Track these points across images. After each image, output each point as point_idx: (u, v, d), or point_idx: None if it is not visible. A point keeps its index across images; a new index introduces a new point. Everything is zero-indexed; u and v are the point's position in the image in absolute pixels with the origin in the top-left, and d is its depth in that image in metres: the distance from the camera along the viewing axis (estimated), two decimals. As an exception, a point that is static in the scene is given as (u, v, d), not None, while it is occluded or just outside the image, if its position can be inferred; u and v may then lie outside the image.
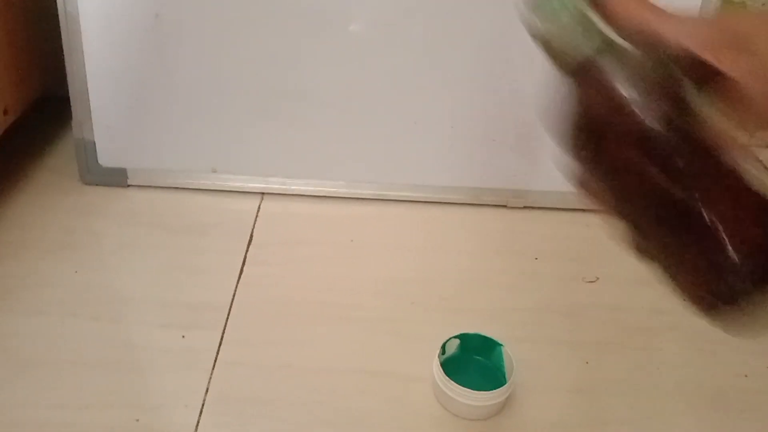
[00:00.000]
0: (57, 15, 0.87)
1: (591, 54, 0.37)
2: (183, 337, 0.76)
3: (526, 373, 0.72)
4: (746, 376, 0.76)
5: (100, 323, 0.77)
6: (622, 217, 0.39)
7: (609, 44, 0.37)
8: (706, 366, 0.77)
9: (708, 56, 0.35)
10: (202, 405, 0.69)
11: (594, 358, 0.77)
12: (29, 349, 0.73)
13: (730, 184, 0.35)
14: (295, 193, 0.98)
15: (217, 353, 0.74)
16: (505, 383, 0.68)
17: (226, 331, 0.77)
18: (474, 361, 0.74)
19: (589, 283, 0.87)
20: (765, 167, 0.36)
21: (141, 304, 0.80)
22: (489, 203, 0.99)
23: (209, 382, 0.71)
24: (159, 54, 0.90)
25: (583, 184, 0.39)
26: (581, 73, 0.37)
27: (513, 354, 0.70)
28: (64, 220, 0.91)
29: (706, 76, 0.35)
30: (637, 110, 0.35)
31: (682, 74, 0.36)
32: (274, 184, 0.98)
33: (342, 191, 0.98)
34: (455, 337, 0.72)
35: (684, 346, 0.79)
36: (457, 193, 0.98)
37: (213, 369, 0.72)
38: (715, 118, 0.35)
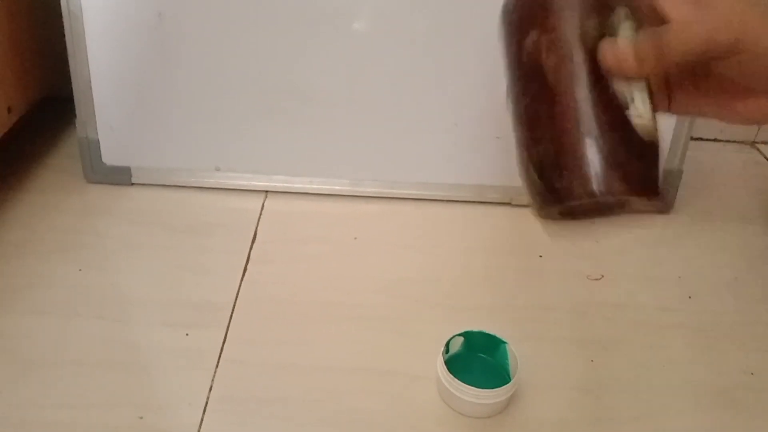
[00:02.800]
0: (61, 14, 0.87)
1: None
2: (187, 335, 0.76)
3: (530, 371, 0.72)
4: (752, 373, 0.76)
5: (104, 322, 0.77)
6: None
7: None
8: (712, 364, 0.77)
9: None
10: (206, 404, 0.69)
11: (599, 356, 0.77)
12: (33, 348, 0.73)
13: (616, 114, 0.38)
14: (298, 191, 0.98)
15: (221, 352, 0.74)
16: (509, 381, 0.68)
17: (229, 329, 0.77)
18: (478, 359, 0.73)
19: (594, 281, 0.87)
20: (651, 104, 0.39)
21: (145, 303, 0.80)
22: (493, 201, 0.99)
23: (213, 381, 0.71)
24: (162, 53, 0.90)
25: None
26: None
27: (517, 352, 0.70)
28: (68, 219, 0.92)
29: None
30: (563, 23, 0.39)
31: None
32: (278, 183, 0.98)
33: (346, 189, 0.98)
34: (459, 334, 0.72)
35: (689, 344, 0.79)
36: (461, 191, 0.98)
37: (216, 368, 0.72)
38: (631, 44, 0.38)
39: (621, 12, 0.39)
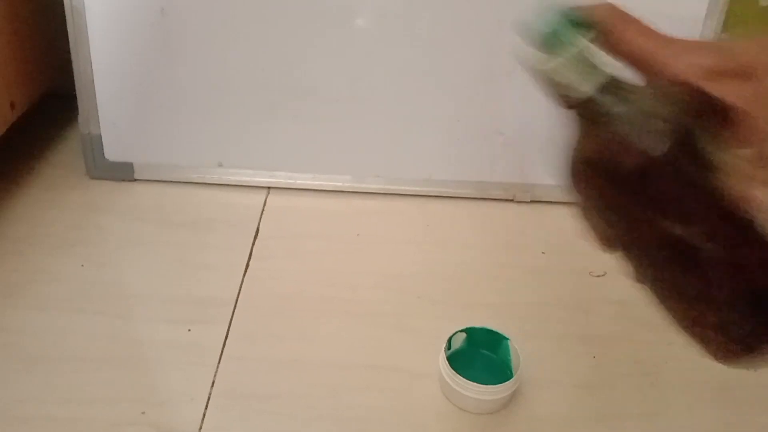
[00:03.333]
0: (63, 10, 0.87)
1: (593, 92, 0.36)
2: (189, 331, 0.76)
3: (532, 368, 0.72)
4: (755, 370, 0.76)
5: (106, 318, 0.77)
6: (619, 250, 0.39)
7: (612, 81, 0.36)
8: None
9: (710, 87, 0.34)
10: (208, 399, 0.69)
11: (601, 353, 0.77)
12: (35, 344, 0.73)
13: (742, 233, 0.35)
14: (301, 187, 0.98)
15: (223, 348, 0.74)
16: (511, 377, 0.68)
17: (232, 325, 0.77)
18: (480, 355, 0.73)
19: (597, 278, 0.87)
20: None
21: (147, 298, 0.80)
22: (496, 197, 0.98)
23: (215, 377, 0.71)
24: (165, 49, 0.90)
25: (583, 217, 0.39)
26: (582, 111, 0.37)
27: (520, 348, 0.70)
28: (70, 215, 0.92)
29: (710, 108, 0.34)
30: (635, 148, 0.34)
31: (687, 111, 0.34)
32: (281, 179, 0.98)
33: (348, 185, 0.98)
34: (461, 331, 0.72)
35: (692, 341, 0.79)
36: (464, 188, 0.98)
37: (219, 363, 0.72)
38: (723, 164, 0.34)
39: (704, 135, 0.34)
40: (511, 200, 0.99)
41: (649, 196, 0.35)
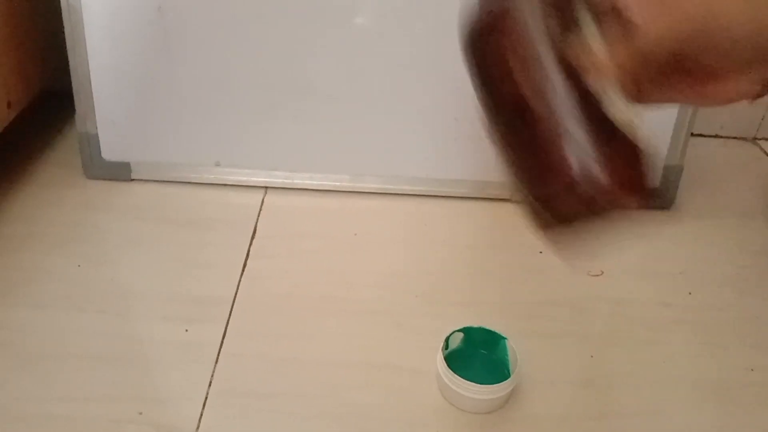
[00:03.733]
0: (60, 8, 0.86)
1: None
2: (186, 330, 0.76)
3: (530, 367, 0.72)
4: (752, 369, 0.76)
5: (103, 317, 0.77)
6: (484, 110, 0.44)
7: None
8: (712, 359, 0.77)
9: None
10: (206, 398, 0.69)
11: (599, 352, 0.77)
12: (33, 342, 0.73)
13: (593, 112, 0.38)
14: (298, 186, 0.98)
15: (221, 346, 0.74)
16: (509, 377, 0.68)
17: (229, 324, 0.77)
18: (478, 354, 0.73)
19: (594, 277, 0.87)
20: (626, 104, 0.38)
21: (144, 297, 0.80)
22: (493, 197, 0.98)
23: (212, 376, 0.71)
24: (162, 47, 0.90)
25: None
26: None
27: (517, 347, 0.70)
28: (67, 214, 0.92)
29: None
30: (525, 25, 0.39)
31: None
32: (278, 178, 0.98)
33: (346, 185, 0.98)
34: (459, 330, 0.72)
35: (690, 340, 0.79)
36: (462, 187, 0.98)
37: (216, 362, 0.72)
38: (599, 43, 0.37)
39: (582, 10, 0.38)
40: (509, 200, 0.99)
41: (523, 67, 0.40)
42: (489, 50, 0.42)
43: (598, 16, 0.38)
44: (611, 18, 0.38)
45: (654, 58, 0.36)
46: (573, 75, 0.38)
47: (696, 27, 0.35)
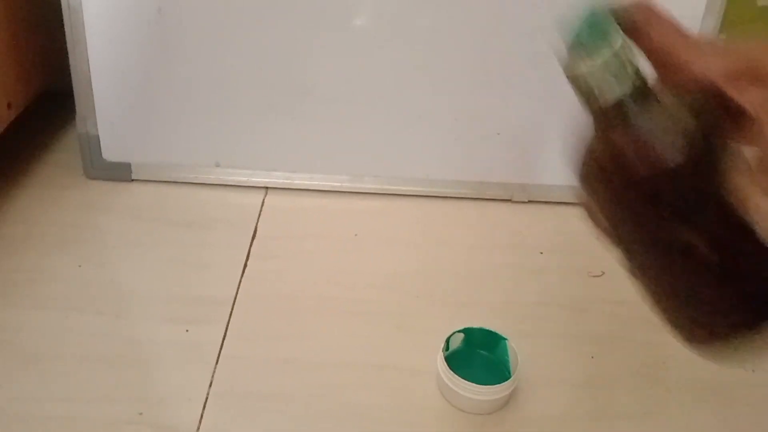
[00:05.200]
0: (60, 9, 0.86)
1: (621, 97, 0.36)
2: (187, 331, 0.76)
3: (530, 368, 0.72)
4: (753, 371, 0.76)
5: (103, 317, 0.77)
6: (621, 245, 0.40)
7: (641, 88, 0.36)
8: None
9: (728, 89, 0.34)
10: (206, 399, 0.69)
11: (599, 353, 0.77)
12: (33, 343, 0.73)
13: (742, 238, 0.35)
14: (299, 187, 0.98)
15: (221, 347, 0.74)
16: (509, 377, 0.68)
17: (229, 325, 0.77)
18: (478, 355, 0.73)
19: (595, 278, 0.87)
20: None
21: (145, 298, 0.80)
22: (493, 197, 0.98)
23: (213, 376, 0.71)
24: (162, 48, 0.90)
25: (588, 210, 0.40)
26: (607, 114, 0.36)
27: (518, 348, 0.70)
28: (67, 214, 0.91)
29: (726, 112, 0.34)
30: (656, 155, 0.34)
31: (707, 120, 0.35)
32: (278, 179, 0.98)
33: (346, 185, 0.98)
34: (459, 331, 0.72)
35: (690, 341, 0.79)
36: (462, 187, 0.98)
37: (217, 363, 0.72)
38: (737, 172, 0.34)
39: (724, 140, 0.34)
40: (509, 200, 0.99)
41: (658, 201, 0.35)
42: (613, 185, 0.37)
43: (731, 147, 0.35)
44: (738, 125, 0.34)
45: None
46: (732, 217, 0.34)
47: None
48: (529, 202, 0.98)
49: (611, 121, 0.36)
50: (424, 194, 0.98)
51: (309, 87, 0.92)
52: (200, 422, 0.66)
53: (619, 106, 0.36)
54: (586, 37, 0.36)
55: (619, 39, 0.36)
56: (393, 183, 0.98)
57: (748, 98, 0.34)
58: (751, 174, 0.34)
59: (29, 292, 0.80)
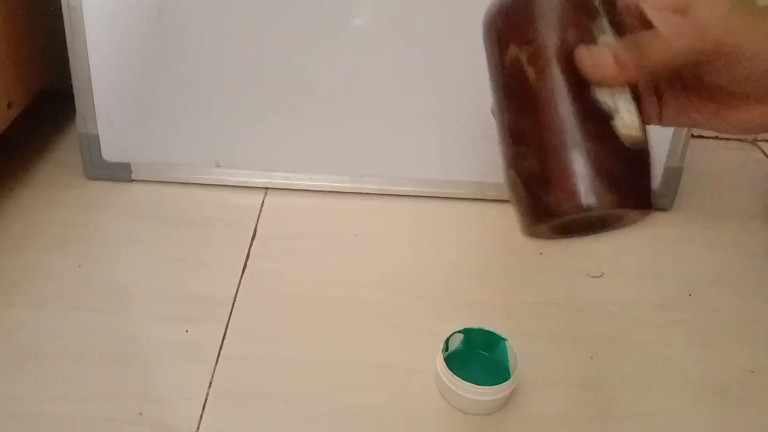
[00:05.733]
0: (60, 8, 0.86)
1: None
2: (186, 330, 0.76)
3: (530, 368, 0.72)
4: (752, 371, 0.76)
5: (103, 316, 0.77)
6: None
7: None
8: (712, 361, 0.77)
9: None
10: (206, 398, 0.69)
11: (599, 353, 0.77)
12: (32, 341, 0.73)
13: (596, 120, 0.37)
14: (298, 187, 0.98)
15: (221, 347, 0.74)
16: (509, 378, 0.68)
17: (229, 324, 0.77)
18: (478, 355, 0.73)
19: (594, 278, 0.87)
20: (639, 115, 0.38)
21: (144, 297, 0.80)
22: (493, 198, 0.98)
23: (212, 376, 0.71)
24: (162, 48, 0.90)
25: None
26: None
27: (517, 348, 0.70)
28: (67, 214, 0.92)
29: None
30: (546, 30, 0.38)
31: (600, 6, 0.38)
32: (278, 179, 0.98)
33: (346, 186, 0.98)
34: (459, 331, 0.72)
35: (689, 341, 0.79)
36: (462, 188, 0.98)
37: (216, 362, 0.72)
38: (612, 50, 0.37)
39: (602, 21, 0.38)
40: (509, 201, 0.98)
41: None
42: (508, 54, 0.41)
43: (618, 27, 0.38)
44: (631, 28, 0.38)
45: (667, 69, 0.37)
46: (583, 86, 0.38)
47: (716, 49, 0.35)
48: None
49: None
50: (424, 195, 0.98)
51: (309, 87, 0.92)
52: (200, 421, 0.66)
53: None
54: None
55: None
56: (393, 183, 0.98)
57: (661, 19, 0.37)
58: None
59: (29, 290, 0.80)
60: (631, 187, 0.38)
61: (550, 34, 0.38)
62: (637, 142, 0.38)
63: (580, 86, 0.38)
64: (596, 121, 0.38)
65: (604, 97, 0.38)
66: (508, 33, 0.41)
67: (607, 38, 0.38)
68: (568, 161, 0.37)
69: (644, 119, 0.39)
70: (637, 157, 0.38)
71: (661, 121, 0.43)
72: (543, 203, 0.39)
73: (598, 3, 0.38)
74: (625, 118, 0.38)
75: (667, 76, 0.40)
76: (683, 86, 0.41)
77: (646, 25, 0.37)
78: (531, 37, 0.39)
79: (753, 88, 0.37)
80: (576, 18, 0.38)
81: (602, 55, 0.37)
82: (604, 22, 0.38)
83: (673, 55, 0.36)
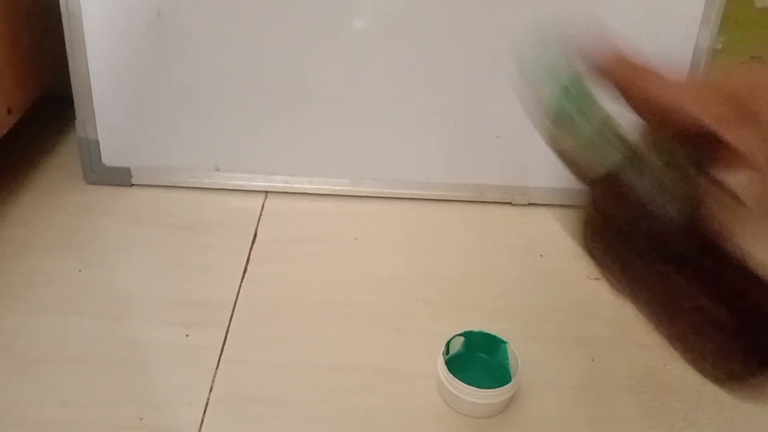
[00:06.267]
0: (60, 14, 0.87)
1: (612, 167, 0.35)
2: (187, 335, 0.76)
3: (531, 371, 0.71)
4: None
5: (103, 321, 0.77)
6: (638, 303, 0.40)
7: (630, 156, 0.35)
8: (713, 363, 0.77)
9: (714, 127, 0.34)
10: (206, 403, 0.68)
11: (600, 356, 0.77)
12: (33, 347, 0.73)
13: (741, 277, 0.35)
14: (298, 191, 0.98)
15: (221, 351, 0.74)
16: (509, 381, 0.68)
17: (230, 329, 0.77)
18: (478, 358, 0.73)
19: (595, 280, 0.87)
20: None
21: (144, 302, 0.80)
22: (493, 200, 0.98)
23: (213, 380, 0.71)
24: (162, 52, 0.90)
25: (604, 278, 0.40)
26: (601, 184, 0.36)
27: (518, 351, 0.70)
28: (67, 219, 0.92)
29: (712, 149, 0.34)
30: (651, 215, 0.34)
31: (692, 164, 0.35)
32: (278, 183, 0.98)
33: (346, 189, 0.98)
34: (460, 334, 0.72)
35: (690, 343, 0.79)
36: (462, 191, 0.98)
37: (217, 367, 0.72)
38: (725, 207, 0.34)
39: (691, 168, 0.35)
40: (509, 203, 0.99)
41: (660, 260, 0.35)
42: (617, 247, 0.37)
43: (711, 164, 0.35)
44: (724, 161, 0.34)
45: None
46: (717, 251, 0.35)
47: None
48: (529, 204, 0.98)
49: (604, 190, 0.36)
50: (424, 197, 0.98)
51: (309, 91, 0.92)
52: (201, 426, 0.66)
53: (609, 175, 0.35)
54: (567, 111, 0.35)
55: (601, 111, 0.35)
56: (393, 186, 0.98)
57: (741, 140, 0.33)
58: (750, 218, 0.34)
59: (29, 295, 0.80)
60: None
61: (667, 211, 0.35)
62: None
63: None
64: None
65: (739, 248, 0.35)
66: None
67: (715, 190, 0.35)
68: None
69: None
70: None
71: None
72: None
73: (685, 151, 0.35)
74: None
75: None
76: None
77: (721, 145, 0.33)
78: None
79: None
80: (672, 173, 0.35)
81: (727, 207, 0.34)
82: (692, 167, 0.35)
83: None
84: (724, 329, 0.36)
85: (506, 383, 0.67)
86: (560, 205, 0.96)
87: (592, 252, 0.39)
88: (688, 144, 0.35)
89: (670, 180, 0.35)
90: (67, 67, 0.90)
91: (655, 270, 0.36)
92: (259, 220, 0.93)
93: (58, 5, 0.86)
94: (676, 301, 0.37)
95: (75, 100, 0.92)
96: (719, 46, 0.97)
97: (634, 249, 0.36)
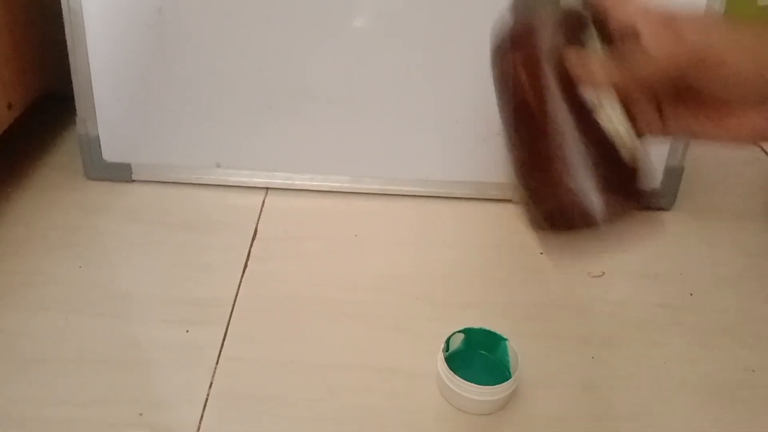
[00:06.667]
0: (61, 11, 0.86)
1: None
2: (187, 332, 0.76)
3: (531, 368, 0.71)
4: (753, 371, 0.76)
5: (103, 319, 0.77)
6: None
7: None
8: (713, 361, 0.77)
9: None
10: (206, 401, 0.69)
11: (600, 353, 0.77)
12: (33, 345, 0.73)
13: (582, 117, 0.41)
14: (299, 188, 0.98)
15: (221, 349, 0.74)
16: (509, 378, 0.68)
17: (229, 326, 0.77)
18: (479, 355, 0.73)
19: (595, 278, 0.87)
20: (622, 113, 0.41)
21: (145, 300, 0.80)
22: (494, 198, 0.98)
23: (213, 378, 0.71)
24: (162, 49, 0.90)
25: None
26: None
27: (518, 349, 0.70)
28: (68, 216, 0.92)
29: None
30: (540, 40, 0.43)
31: (591, 20, 0.42)
32: (279, 179, 0.98)
33: (346, 186, 0.98)
34: (460, 331, 0.72)
35: (690, 341, 0.79)
36: (462, 188, 0.98)
37: (216, 365, 0.72)
38: (600, 58, 0.41)
39: (591, 30, 0.42)
40: (509, 201, 0.98)
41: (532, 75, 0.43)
42: (507, 62, 0.46)
43: (605, 36, 0.41)
44: (620, 39, 0.40)
45: (654, 78, 0.39)
46: (570, 87, 0.41)
47: (696, 57, 0.38)
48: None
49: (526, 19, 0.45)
50: (425, 195, 0.98)
51: (309, 88, 0.92)
52: (200, 424, 0.66)
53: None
54: None
55: None
56: (393, 183, 0.98)
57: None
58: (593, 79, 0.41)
59: (29, 293, 0.80)
60: (616, 184, 0.41)
61: (545, 42, 0.42)
62: (620, 136, 0.41)
63: (569, 87, 0.41)
64: (582, 114, 0.41)
65: (590, 95, 0.41)
66: (508, 43, 0.46)
67: (594, 44, 0.42)
68: (557, 149, 0.41)
69: (641, 127, 0.42)
70: (620, 152, 0.41)
71: (663, 132, 0.44)
72: (535, 189, 0.44)
73: (588, 15, 0.42)
74: (610, 114, 0.41)
75: (662, 87, 0.42)
76: (680, 97, 0.42)
77: (631, 35, 0.39)
78: (529, 47, 0.43)
79: (739, 94, 0.39)
80: (567, 27, 0.42)
81: (588, 56, 0.41)
82: (593, 32, 0.42)
83: (657, 66, 0.39)
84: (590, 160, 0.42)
85: (506, 380, 0.67)
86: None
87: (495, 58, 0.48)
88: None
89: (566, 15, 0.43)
90: (67, 63, 0.90)
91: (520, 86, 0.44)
92: (259, 218, 0.93)
93: (59, 2, 0.86)
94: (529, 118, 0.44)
95: (76, 96, 0.92)
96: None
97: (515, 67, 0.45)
